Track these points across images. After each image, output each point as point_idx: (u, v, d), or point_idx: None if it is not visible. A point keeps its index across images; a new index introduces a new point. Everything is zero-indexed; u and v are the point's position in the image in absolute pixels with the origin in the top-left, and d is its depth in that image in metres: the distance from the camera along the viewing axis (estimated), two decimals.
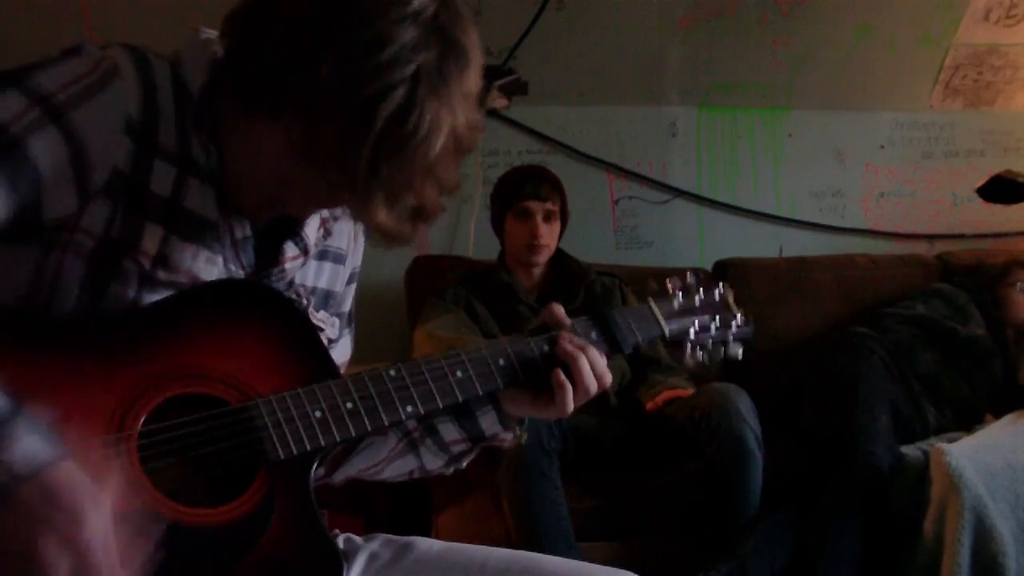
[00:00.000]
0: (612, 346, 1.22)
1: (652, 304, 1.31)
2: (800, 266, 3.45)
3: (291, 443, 1.00)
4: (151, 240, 0.99)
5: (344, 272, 1.24)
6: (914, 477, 2.59)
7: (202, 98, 1.02)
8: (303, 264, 1.15)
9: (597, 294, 2.90)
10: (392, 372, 1.08)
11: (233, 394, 1.00)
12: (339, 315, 1.25)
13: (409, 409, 1.07)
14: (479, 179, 3.40)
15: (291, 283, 1.15)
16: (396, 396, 1.06)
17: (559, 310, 1.21)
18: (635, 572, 1.19)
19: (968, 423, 2.92)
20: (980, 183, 2.96)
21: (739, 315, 1.37)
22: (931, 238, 3.87)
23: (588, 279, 2.92)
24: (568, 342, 1.16)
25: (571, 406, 1.15)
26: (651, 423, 2.70)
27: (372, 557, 1.21)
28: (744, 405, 2.55)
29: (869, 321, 3.13)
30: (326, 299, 1.21)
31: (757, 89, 3.65)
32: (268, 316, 1.05)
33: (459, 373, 1.11)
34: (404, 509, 2.72)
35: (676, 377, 2.82)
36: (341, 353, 1.26)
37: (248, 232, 1.08)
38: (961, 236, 3.85)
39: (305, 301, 1.17)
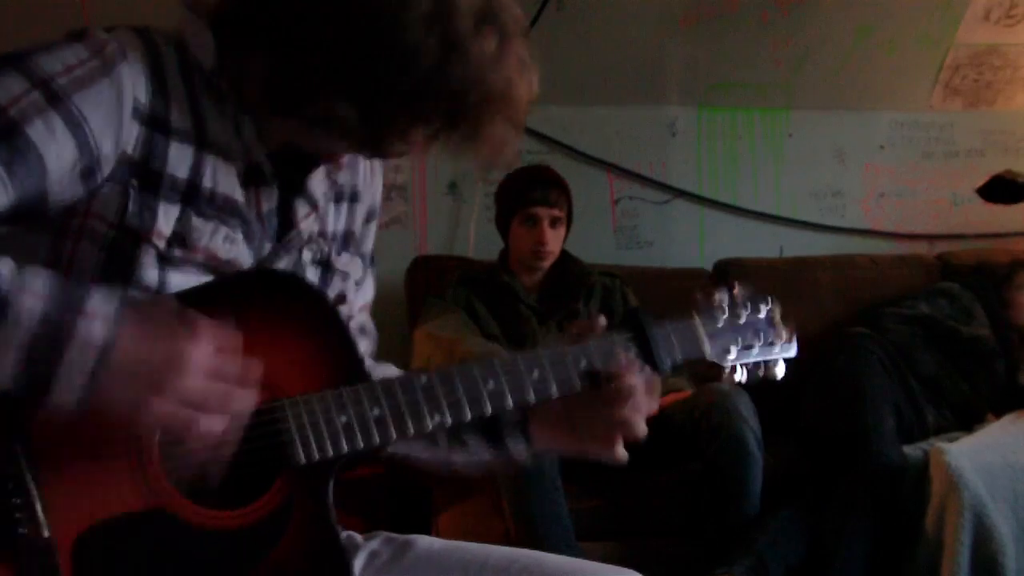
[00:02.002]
0: (648, 365, 1.15)
1: (697, 324, 1.22)
2: (800, 266, 3.45)
3: (314, 449, 0.98)
4: (166, 220, 0.98)
5: (361, 209, 1.21)
6: (914, 477, 2.59)
7: (215, 74, 1.01)
8: (316, 220, 1.13)
9: (598, 295, 2.90)
10: (424, 379, 1.04)
11: (260, 392, 0.96)
12: (361, 256, 1.22)
13: (436, 419, 1.04)
14: (479, 179, 3.40)
15: (310, 238, 1.12)
16: (425, 406, 1.03)
17: (588, 321, 1.15)
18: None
19: (969, 423, 2.92)
20: (980, 183, 2.95)
21: (784, 334, 1.29)
22: (931, 238, 3.86)
23: (590, 281, 2.92)
24: (627, 376, 1.11)
25: (624, 456, 1.12)
26: (651, 423, 2.70)
27: (372, 555, 1.21)
28: (744, 405, 2.55)
29: (870, 320, 3.12)
30: (346, 240, 1.19)
31: (757, 89, 3.65)
32: (298, 309, 1.02)
33: (491, 384, 1.07)
34: (405, 509, 2.72)
35: (676, 377, 2.82)
36: (364, 295, 1.25)
37: (274, 204, 1.06)
38: (961, 236, 3.84)
39: (326, 249, 1.14)
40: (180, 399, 0.86)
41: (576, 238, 3.04)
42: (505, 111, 1.00)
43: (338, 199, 1.17)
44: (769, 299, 1.30)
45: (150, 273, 0.97)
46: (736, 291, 1.27)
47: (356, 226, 1.21)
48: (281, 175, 1.07)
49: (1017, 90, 3.84)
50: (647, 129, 3.63)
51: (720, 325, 1.24)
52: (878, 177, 3.84)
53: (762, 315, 1.28)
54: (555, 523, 2.39)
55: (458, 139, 1.01)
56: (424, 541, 1.22)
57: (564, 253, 2.96)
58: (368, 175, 1.22)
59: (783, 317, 1.29)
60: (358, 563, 1.19)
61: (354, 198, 1.20)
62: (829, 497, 2.61)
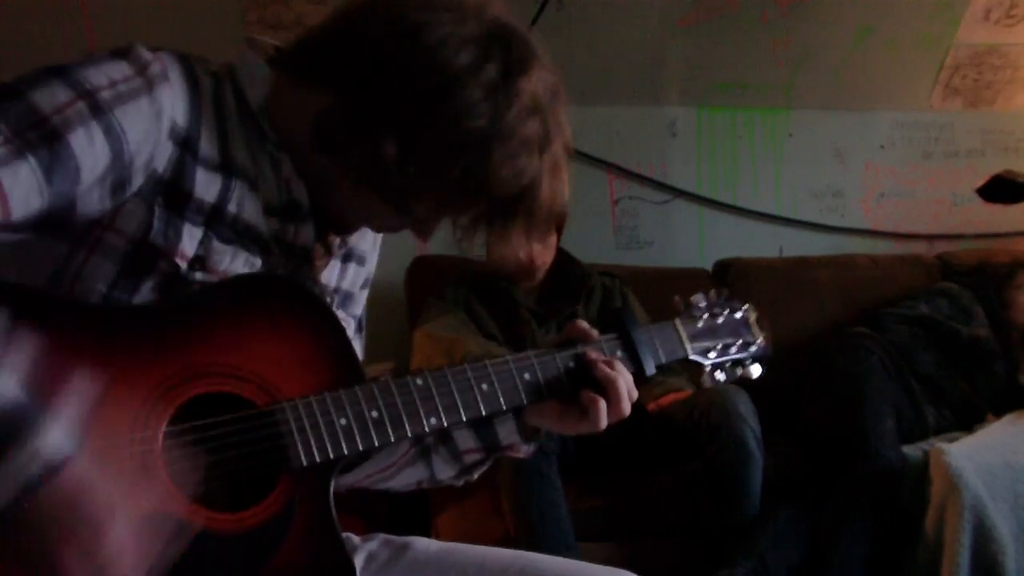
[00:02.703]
0: (635, 366, 1.20)
1: (678, 324, 1.28)
2: (800, 266, 3.45)
3: (315, 450, 0.98)
4: (190, 241, 0.99)
5: (362, 274, 1.24)
6: (914, 477, 2.59)
7: (261, 110, 1.04)
8: (327, 265, 1.15)
9: (597, 296, 2.90)
10: (419, 381, 1.06)
11: (260, 395, 0.98)
12: (353, 317, 1.24)
13: (433, 421, 1.06)
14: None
15: (317, 284, 1.14)
16: (421, 407, 1.05)
17: (583, 324, 1.19)
18: (635, 572, 1.18)
19: (969, 423, 2.92)
20: (980, 183, 2.95)
21: (761, 338, 1.34)
22: (931, 238, 3.87)
23: (590, 283, 2.92)
24: (604, 365, 1.14)
25: (604, 422, 1.13)
26: (651, 423, 2.70)
27: (370, 557, 1.21)
28: (744, 405, 2.54)
29: (869, 321, 3.13)
30: (345, 300, 1.21)
31: (757, 89, 3.65)
32: (297, 313, 1.03)
33: (484, 386, 1.09)
34: (404, 510, 2.71)
35: (676, 377, 2.82)
36: None
37: (310, 239, 1.08)
38: (961, 236, 3.85)
39: (329, 300, 1.16)
40: None
41: (576, 238, 3.03)
42: (528, 204, 1.04)
43: (347, 259, 1.19)
44: (747, 304, 1.36)
45: (159, 291, 0.98)
46: (712, 294, 1.33)
47: (355, 288, 1.23)
48: (316, 213, 1.10)
49: (1017, 90, 3.84)
50: (647, 129, 3.63)
51: (700, 326, 1.29)
52: (878, 177, 3.84)
53: (739, 316, 1.33)
54: (555, 524, 2.39)
55: (472, 217, 1.07)
56: (422, 543, 1.22)
57: (564, 254, 2.95)
58: (373, 244, 1.25)
59: (758, 320, 1.35)
60: (356, 565, 1.19)
61: (360, 262, 1.22)
62: (829, 497, 2.62)
